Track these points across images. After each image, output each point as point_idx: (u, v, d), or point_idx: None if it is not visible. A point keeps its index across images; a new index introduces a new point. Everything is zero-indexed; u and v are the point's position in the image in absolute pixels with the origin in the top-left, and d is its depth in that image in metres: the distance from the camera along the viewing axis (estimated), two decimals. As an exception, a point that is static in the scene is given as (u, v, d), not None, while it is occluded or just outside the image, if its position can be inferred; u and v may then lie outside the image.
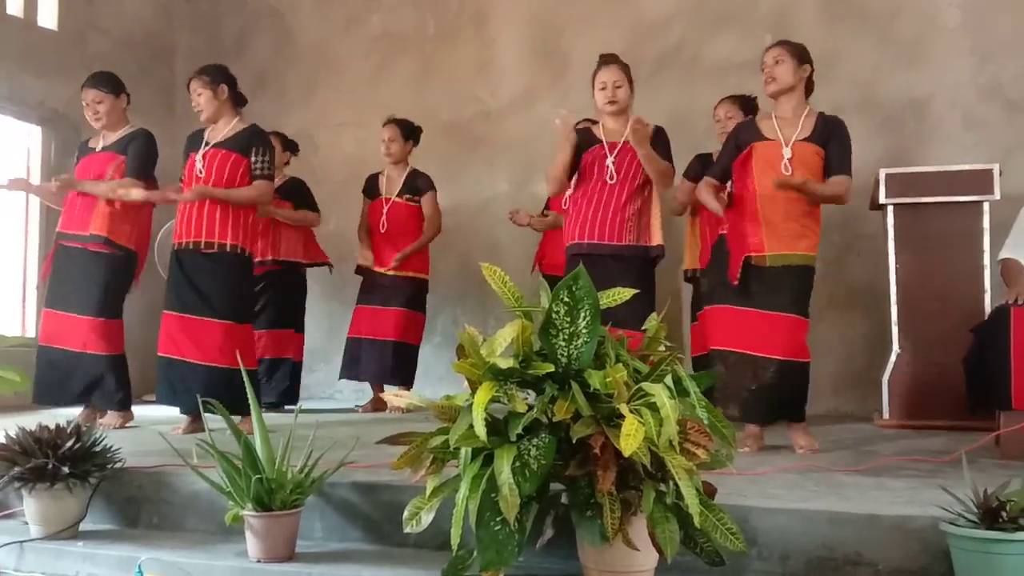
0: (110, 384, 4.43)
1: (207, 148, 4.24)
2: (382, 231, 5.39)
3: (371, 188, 5.52)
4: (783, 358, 3.53)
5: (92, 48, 6.40)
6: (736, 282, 3.60)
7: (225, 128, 4.28)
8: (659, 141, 4.03)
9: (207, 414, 2.63)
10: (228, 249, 4.17)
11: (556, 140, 4.14)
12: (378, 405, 5.39)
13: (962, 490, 2.05)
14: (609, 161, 3.98)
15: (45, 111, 6.06)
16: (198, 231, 4.17)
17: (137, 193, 4.30)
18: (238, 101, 4.37)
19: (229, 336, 4.11)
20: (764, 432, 3.66)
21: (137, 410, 4.66)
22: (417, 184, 5.42)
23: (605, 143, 4.03)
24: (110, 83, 4.56)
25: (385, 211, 5.39)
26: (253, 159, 4.23)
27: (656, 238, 4.03)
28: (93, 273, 4.41)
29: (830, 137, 3.62)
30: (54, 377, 4.41)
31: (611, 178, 3.99)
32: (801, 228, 3.57)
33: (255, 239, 4.38)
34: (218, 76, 4.28)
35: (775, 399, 3.56)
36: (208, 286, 4.16)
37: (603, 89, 4.01)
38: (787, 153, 3.58)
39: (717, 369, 3.62)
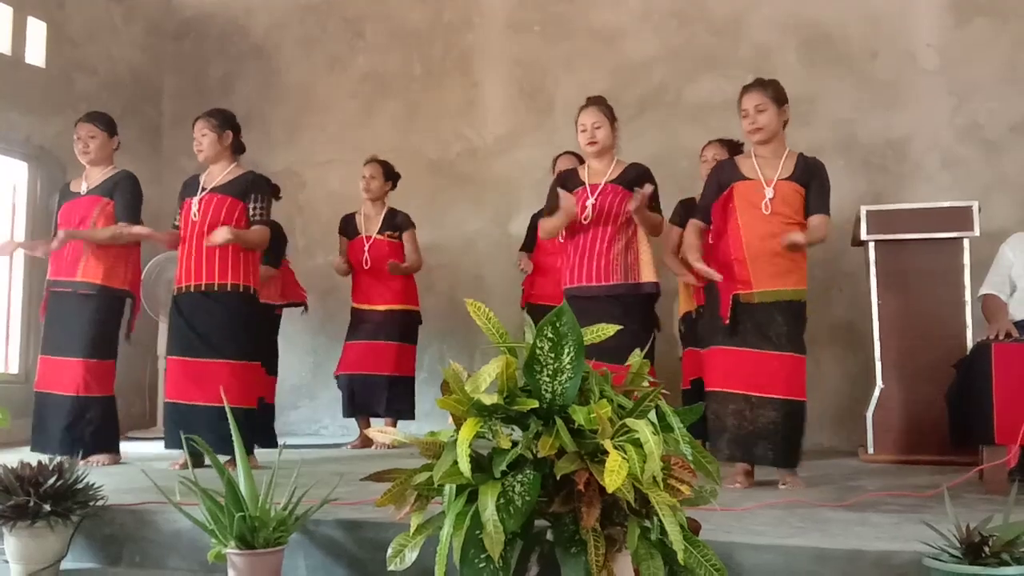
0: (99, 426, 4.41)
1: (203, 193, 4.27)
2: (365, 268, 5.41)
3: (348, 227, 5.55)
4: (782, 397, 3.53)
5: (79, 87, 6.44)
6: (727, 322, 3.61)
7: (222, 173, 4.32)
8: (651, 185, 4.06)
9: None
10: (229, 288, 4.19)
11: (547, 188, 4.20)
12: (366, 441, 5.39)
13: (945, 525, 2.05)
14: (590, 203, 4.05)
15: (31, 148, 6.08)
16: (198, 275, 4.20)
17: (140, 229, 4.32)
18: (238, 148, 4.42)
19: (232, 375, 4.12)
20: (754, 469, 3.66)
21: (122, 447, 4.62)
22: (396, 221, 5.47)
23: (587, 185, 4.10)
24: (106, 122, 4.63)
25: (367, 248, 5.41)
26: (251, 205, 4.26)
27: (647, 275, 4.06)
28: (84, 316, 4.42)
29: (811, 178, 3.66)
30: (47, 423, 4.39)
31: (586, 219, 4.05)
32: (788, 263, 3.60)
33: (257, 275, 4.37)
34: (225, 122, 4.35)
35: (771, 440, 3.53)
36: (206, 326, 4.17)
37: (583, 131, 4.10)
38: (769, 193, 3.62)
39: (712, 410, 3.60)
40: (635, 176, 4.08)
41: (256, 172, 4.41)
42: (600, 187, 4.08)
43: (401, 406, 5.39)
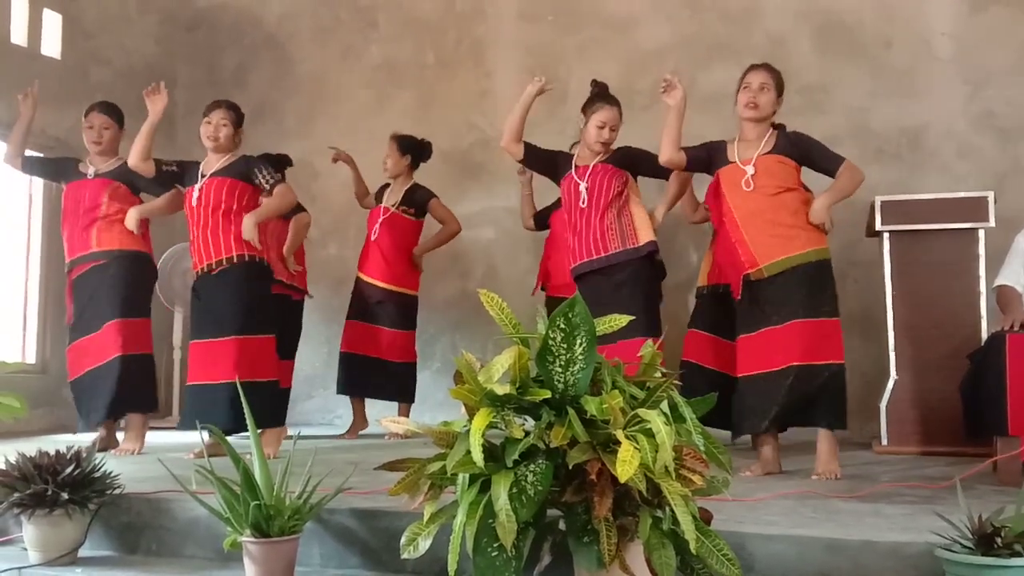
0: (137, 384, 4.51)
1: (204, 180, 4.34)
2: (373, 239, 5.43)
3: (379, 195, 5.60)
4: (799, 363, 3.52)
5: (94, 78, 6.47)
6: (738, 296, 3.65)
7: (219, 161, 4.40)
8: (640, 160, 4.20)
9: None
10: (235, 260, 4.24)
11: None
12: (360, 426, 5.44)
13: (958, 516, 2.05)
14: (583, 187, 4.18)
15: (47, 139, 6.10)
16: (207, 255, 4.26)
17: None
18: (238, 143, 4.50)
19: (243, 350, 4.15)
20: (779, 458, 3.66)
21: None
22: (415, 198, 5.47)
23: (575, 169, 4.24)
24: (118, 114, 4.74)
25: (380, 220, 5.43)
26: (258, 179, 4.33)
27: (644, 236, 4.15)
28: (108, 281, 4.50)
29: (802, 151, 3.68)
30: (92, 399, 4.49)
31: (583, 203, 4.19)
32: (788, 230, 3.60)
33: (265, 246, 4.43)
34: (241, 119, 4.46)
35: (799, 403, 3.54)
36: (217, 305, 4.23)
37: (601, 128, 4.17)
38: (749, 170, 3.65)
39: (745, 394, 3.63)
40: (625, 154, 4.23)
41: (246, 154, 4.49)
42: (590, 169, 4.20)
43: (399, 390, 5.39)
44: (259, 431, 2.72)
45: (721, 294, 4.67)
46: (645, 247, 4.13)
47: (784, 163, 3.67)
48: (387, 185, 5.60)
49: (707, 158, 3.81)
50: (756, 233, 3.61)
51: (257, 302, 4.31)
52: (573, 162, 4.29)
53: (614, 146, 4.29)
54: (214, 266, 4.25)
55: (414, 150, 5.54)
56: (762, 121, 3.72)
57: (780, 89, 3.74)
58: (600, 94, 4.24)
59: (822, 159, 3.68)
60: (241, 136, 4.46)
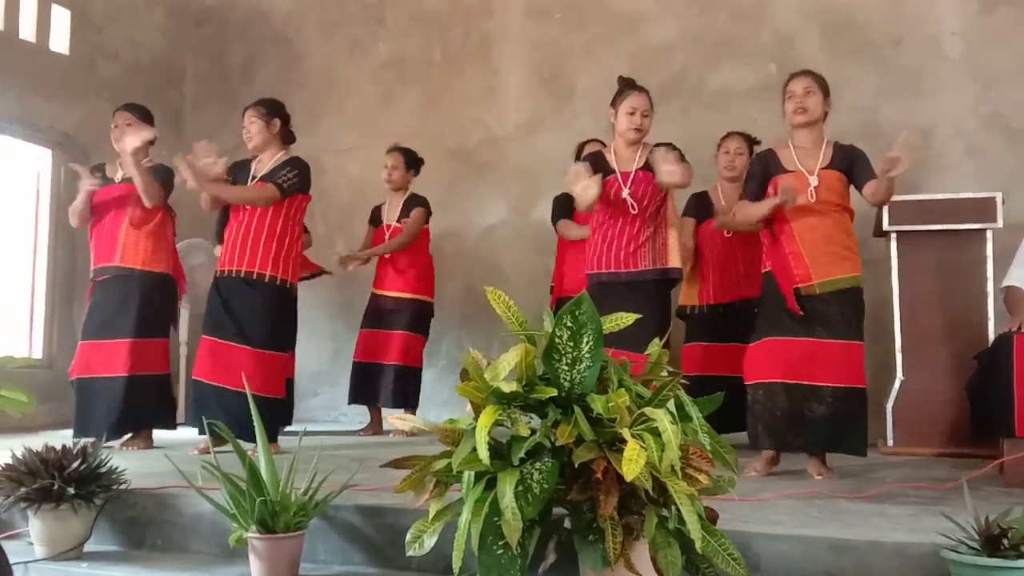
0: (153, 403, 4.52)
1: (254, 181, 4.33)
2: (385, 256, 5.43)
3: (375, 217, 5.59)
4: (840, 385, 3.52)
5: (102, 72, 6.48)
6: (800, 312, 3.56)
7: (270, 161, 4.38)
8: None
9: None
10: (267, 280, 4.25)
11: (568, 169, 4.12)
12: (376, 429, 5.42)
13: (964, 517, 2.05)
14: (626, 193, 4.01)
15: (55, 134, 6.13)
16: (241, 261, 4.26)
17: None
18: (287, 137, 4.46)
19: (259, 363, 4.17)
20: (779, 457, 3.66)
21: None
22: (411, 208, 5.46)
23: (619, 173, 4.05)
24: (144, 113, 4.68)
25: (387, 237, 5.45)
26: (280, 174, 4.30)
27: (673, 260, 4.06)
28: (126, 298, 4.50)
29: (852, 160, 3.65)
30: (96, 408, 4.45)
31: (633, 208, 4.02)
32: (842, 250, 3.60)
33: (297, 270, 4.45)
34: (273, 110, 4.42)
35: (834, 427, 3.52)
36: (242, 313, 4.23)
37: (632, 114, 4.00)
38: (813, 181, 3.61)
39: (760, 400, 3.58)
40: (653, 159, 4.03)
41: (299, 157, 4.44)
42: (632, 175, 4.04)
43: (404, 397, 5.38)
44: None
45: (721, 314, 4.69)
46: (674, 271, 4.05)
47: (842, 180, 3.64)
48: (380, 206, 5.57)
49: (764, 174, 3.72)
50: (813, 249, 3.58)
51: (280, 322, 4.36)
52: (614, 163, 4.07)
53: (648, 139, 4.12)
54: (244, 275, 4.25)
55: (416, 165, 5.56)
56: (814, 125, 3.67)
57: (826, 91, 3.70)
58: (627, 85, 4.14)
59: (863, 170, 3.61)
60: (276, 128, 4.39)
